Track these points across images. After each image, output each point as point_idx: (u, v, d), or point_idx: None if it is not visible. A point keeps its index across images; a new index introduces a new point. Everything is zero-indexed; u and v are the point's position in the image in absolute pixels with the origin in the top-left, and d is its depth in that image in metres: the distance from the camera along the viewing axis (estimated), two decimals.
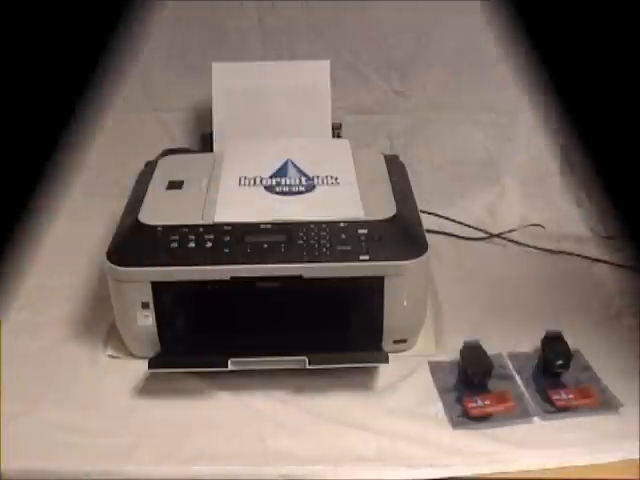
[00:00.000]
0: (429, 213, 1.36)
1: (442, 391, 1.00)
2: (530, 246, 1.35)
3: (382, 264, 0.98)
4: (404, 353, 1.06)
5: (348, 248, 0.99)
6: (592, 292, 1.21)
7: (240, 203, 1.06)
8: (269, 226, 1.02)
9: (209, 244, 0.99)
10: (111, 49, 0.73)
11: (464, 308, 1.17)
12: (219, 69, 1.32)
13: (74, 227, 1.38)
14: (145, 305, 1.00)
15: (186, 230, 1.01)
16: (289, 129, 1.30)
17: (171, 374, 1.01)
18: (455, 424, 0.94)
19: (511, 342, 1.08)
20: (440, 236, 1.37)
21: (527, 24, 0.73)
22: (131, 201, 1.13)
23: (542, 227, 1.40)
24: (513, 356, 1.06)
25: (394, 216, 1.04)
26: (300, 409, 0.97)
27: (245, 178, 1.12)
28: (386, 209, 1.05)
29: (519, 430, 0.93)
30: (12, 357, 1.06)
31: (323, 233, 1.01)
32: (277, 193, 1.08)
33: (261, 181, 1.11)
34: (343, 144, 1.25)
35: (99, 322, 1.13)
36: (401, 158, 1.31)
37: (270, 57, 1.40)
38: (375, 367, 1.02)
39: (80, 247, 1.32)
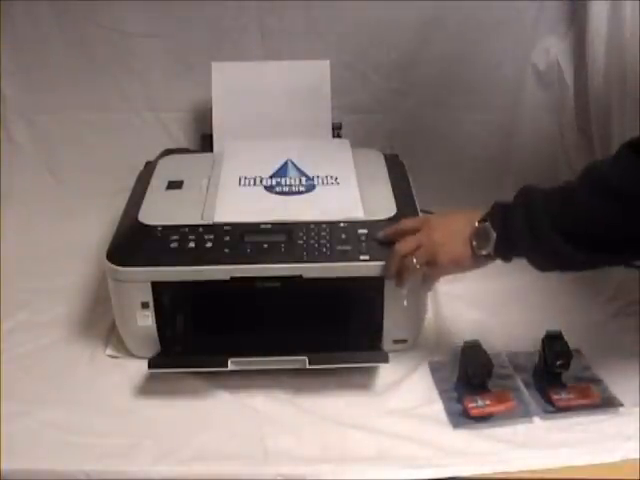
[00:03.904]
0: (429, 213, 1.36)
1: (442, 391, 1.00)
2: None
3: (382, 264, 0.98)
4: (404, 353, 1.06)
5: (348, 248, 0.99)
6: (592, 292, 1.21)
7: (240, 203, 1.06)
8: (269, 226, 1.02)
9: (209, 244, 0.99)
10: None
11: (464, 308, 1.17)
12: (219, 69, 1.32)
13: (74, 227, 1.38)
14: (145, 305, 1.00)
15: (186, 230, 1.01)
16: (289, 129, 1.30)
17: (171, 374, 1.01)
18: (455, 424, 0.94)
19: (511, 342, 1.08)
20: None
21: None
22: (131, 201, 1.13)
23: None
24: (513, 356, 1.06)
25: (394, 216, 1.04)
26: (300, 409, 0.97)
27: (245, 178, 1.12)
28: (386, 209, 1.05)
29: (519, 430, 0.93)
30: (12, 357, 1.06)
31: (323, 233, 1.01)
32: (277, 193, 1.08)
33: (261, 181, 1.11)
34: (343, 144, 1.25)
35: (99, 322, 1.13)
36: (401, 158, 1.31)
37: (270, 57, 1.40)
38: (375, 367, 1.02)
39: (80, 247, 1.31)
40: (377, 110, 1.46)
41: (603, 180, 0.84)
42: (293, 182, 1.11)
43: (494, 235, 0.91)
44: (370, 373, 1.02)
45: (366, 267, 0.98)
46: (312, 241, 1.00)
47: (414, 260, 0.95)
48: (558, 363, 1.00)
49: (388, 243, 0.99)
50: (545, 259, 0.90)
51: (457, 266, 0.96)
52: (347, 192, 1.09)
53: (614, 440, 0.90)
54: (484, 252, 0.92)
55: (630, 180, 0.81)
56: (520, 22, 1.39)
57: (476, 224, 0.93)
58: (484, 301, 1.19)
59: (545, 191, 0.90)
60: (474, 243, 0.93)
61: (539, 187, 0.91)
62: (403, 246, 0.96)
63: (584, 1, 1.35)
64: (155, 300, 1.00)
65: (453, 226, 0.96)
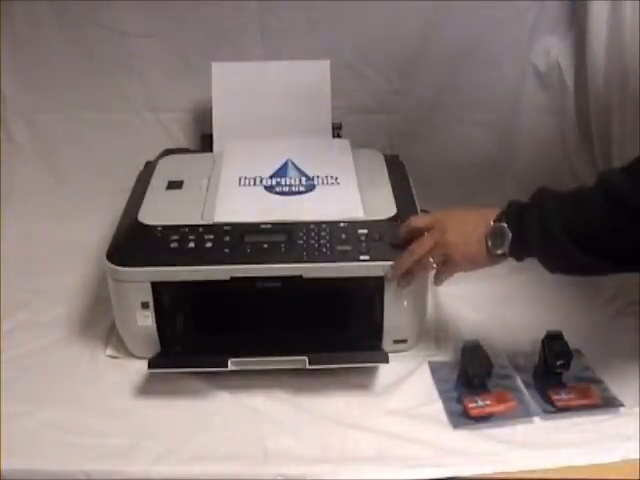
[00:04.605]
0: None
1: (442, 391, 1.00)
2: None
3: (382, 264, 0.98)
4: (404, 353, 1.06)
5: (348, 248, 0.99)
6: (592, 292, 1.20)
7: (240, 203, 1.06)
8: (269, 226, 1.02)
9: (209, 244, 0.99)
10: None
11: (464, 308, 1.17)
12: (219, 69, 1.32)
13: (74, 227, 1.38)
14: (145, 305, 1.00)
15: (186, 230, 1.01)
16: (289, 129, 1.30)
17: (171, 374, 1.01)
18: (455, 424, 0.94)
19: (511, 342, 1.08)
20: None
21: None
22: (131, 201, 1.13)
23: None
24: (513, 356, 1.06)
25: (394, 216, 1.04)
26: (300, 409, 0.97)
27: (245, 178, 1.12)
28: (386, 209, 1.05)
29: (519, 430, 0.93)
30: (12, 357, 1.06)
31: (323, 233, 1.01)
32: (277, 193, 1.08)
33: (261, 181, 1.11)
34: (343, 144, 1.25)
35: (99, 322, 1.13)
36: (401, 158, 1.31)
37: (270, 57, 1.40)
38: (375, 367, 1.02)
39: (80, 247, 1.31)
40: (377, 110, 1.46)
41: (615, 191, 0.85)
42: (293, 182, 1.11)
43: (510, 235, 0.92)
44: (370, 373, 1.02)
45: (366, 267, 0.98)
46: (312, 241, 1.00)
47: (431, 259, 0.96)
48: (558, 363, 1.00)
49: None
50: (555, 262, 0.91)
51: (472, 264, 0.97)
52: (347, 192, 1.09)
53: (614, 440, 0.90)
54: (499, 251, 0.93)
55: None
56: (520, 22, 1.39)
57: (492, 223, 0.93)
58: (484, 301, 1.19)
59: (559, 195, 0.91)
60: (489, 243, 0.93)
61: (554, 190, 0.91)
62: (419, 248, 0.97)
63: (584, 1, 1.35)
64: (155, 300, 1.00)
65: (467, 225, 0.96)
